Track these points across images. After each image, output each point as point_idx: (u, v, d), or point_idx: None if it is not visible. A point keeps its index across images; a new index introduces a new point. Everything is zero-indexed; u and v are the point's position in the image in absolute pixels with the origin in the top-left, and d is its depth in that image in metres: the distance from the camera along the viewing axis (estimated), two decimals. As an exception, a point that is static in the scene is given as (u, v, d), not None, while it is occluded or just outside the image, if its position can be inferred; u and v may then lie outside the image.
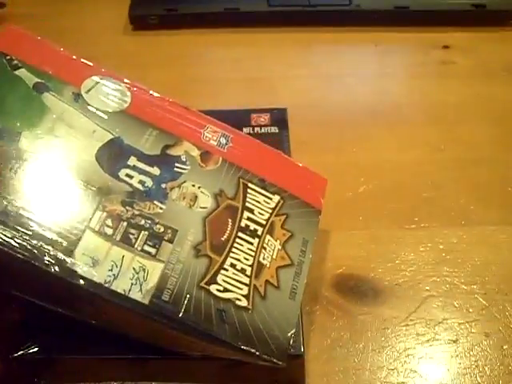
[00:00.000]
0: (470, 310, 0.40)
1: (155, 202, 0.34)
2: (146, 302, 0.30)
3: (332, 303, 0.41)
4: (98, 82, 0.38)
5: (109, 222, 0.32)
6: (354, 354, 0.38)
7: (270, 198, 0.37)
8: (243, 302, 0.32)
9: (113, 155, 0.35)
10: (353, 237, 0.45)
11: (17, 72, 0.36)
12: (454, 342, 0.39)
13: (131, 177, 0.34)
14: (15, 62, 0.36)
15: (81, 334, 0.34)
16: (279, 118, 0.48)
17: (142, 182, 0.34)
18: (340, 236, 0.45)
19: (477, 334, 0.39)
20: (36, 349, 0.34)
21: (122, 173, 0.34)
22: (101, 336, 0.33)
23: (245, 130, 0.46)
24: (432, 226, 0.46)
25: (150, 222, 0.33)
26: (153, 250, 0.32)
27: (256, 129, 0.47)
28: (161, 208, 0.34)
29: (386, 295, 0.41)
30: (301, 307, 0.35)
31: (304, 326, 0.36)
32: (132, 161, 0.35)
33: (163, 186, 0.35)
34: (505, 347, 0.38)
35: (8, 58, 0.36)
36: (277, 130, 0.47)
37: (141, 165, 0.35)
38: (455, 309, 0.41)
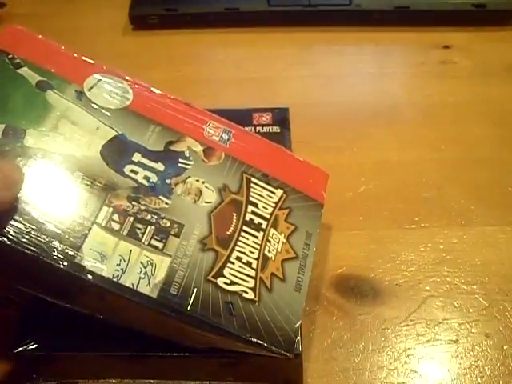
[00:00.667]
0: (470, 310, 0.40)
1: (161, 197, 0.34)
2: (154, 295, 0.31)
3: (332, 303, 0.41)
4: (100, 80, 0.38)
5: (115, 217, 0.32)
6: (354, 354, 0.38)
7: (274, 192, 0.38)
8: (250, 295, 0.33)
9: (117, 152, 0.35)
10: (353, 237, 0.45)
11: (19, 71, 0.36)
12: (454, 342, 0.39)
13: (136, 172, 0.34)
14: (17, 60, 0.36)
15: (80, 330, 0.34)
16: (281, 117, 0.48)
17: (146, 178, 0.34)
18: (340, 236, 0.45)
19: (477, 334, 0.39)
20: (35, 345, 0.34)
21: (127, 169, 0.34)
22: (100, 333, 0.33)
23: (246, 129, 0.46)
24: (432, 226, 0.46)
25: (156, 216, 0.33)
26: (160, 245, 0.32)
27: (258, 128, 0.47)
28: (166, 203, 0.34)
29: (386, 295, 0.41)
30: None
31: (304, 326, 0.36)
32: (136, 157, 0.35)
33: (168, 181, 0.35)
34: (505, 347, 0.38)
35: (10, 56, 0.36)
36: (278, 130, 0.47)
37: (145, 161, 0.35)
38: (455, 309, 0.41)
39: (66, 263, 0.30)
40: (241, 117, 0.47)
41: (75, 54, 0.39)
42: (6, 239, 0.29)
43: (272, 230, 0.36)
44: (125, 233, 0.32)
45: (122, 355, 0.35)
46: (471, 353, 0.38)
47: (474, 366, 0.38)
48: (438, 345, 0.39)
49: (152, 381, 0.36)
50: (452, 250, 0.44)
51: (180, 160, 0.36)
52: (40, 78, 0.36)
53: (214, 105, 0.43)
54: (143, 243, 0.32)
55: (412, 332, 0.39)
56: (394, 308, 0.41)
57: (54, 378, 0.36)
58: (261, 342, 0.31)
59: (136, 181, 0.34)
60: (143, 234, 0.32)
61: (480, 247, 0.44)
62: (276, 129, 0.47)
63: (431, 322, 0.40)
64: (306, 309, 0.40)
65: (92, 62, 0.39)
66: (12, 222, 0.30)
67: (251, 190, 0.37)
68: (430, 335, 0.39)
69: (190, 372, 0.36)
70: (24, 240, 0.30)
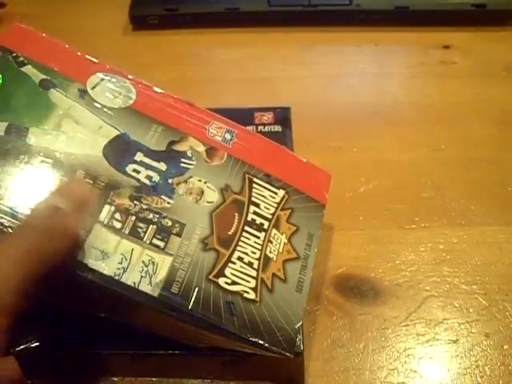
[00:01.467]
0: (470, 310, 0.40)
1: (163, 196, 0.34)
2: (156, 294, 0.31)
3: (332, 303, 0.41)
4: (103, 79, 0.38)
5: (117, 215, 0.32)
6: (354, 354, 0.38)
7: (276, 193, 0.38)
8: (251, 295, 0.33)
9: (120, 151, 0.35)
10: (353, 237, 0.45)
11: (23, 69, 0.36)
12: (454, 342, 0.39)
13: (138, 172, 0.34)
14: (21, 58, 0.36)
15: (82, 328, 0.34)
16: (283, 116, 0.48)
17: (149, 177, 0.34)
18: (340, 236, 0.45)
19: (477, 334, 0.39)
20: (36, 343, 0.34)
21: (130, 168, 0.34)
22: (102, 331, 0.33)
23: (249, 128, 0.46)
24: (432, 226, 0.46)
25: (158, 216, 0.33)
26: (161, 244, 0.32)
27: (259, 127, 0.47)
28: (168, 203, 0.34)
29: (386, 295, 0.41)
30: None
31: (304, 326, 0.36)
32: (139, 156, 0.35)
33: (170, 181, 0.35)
34: (505, 347, 0.38)
35: (14, 55, 0.36)
36: (280, 129, 0.47)
37: (147, 160, 0.35)
38: (455, 309, 0.41)
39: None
40: (242, 116, 0.47)
41: (79, 53, 0.39)
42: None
43: (274, 231, 0.36)
44: (127, 231, 0.32)
45: (124, 353, 0.35)
46: (471, 353, 0.38)
47: (474, 366, 0.38)
48: (437, 345, 0.39)
49: (154, 379, 0.36)
50: (452, 250, 0.44)
51: (182, 160, 0.36)
52: (43, 77, 0.36)
53: (214, 105, 0.43)
54: (145, 242, 0.32)
55: (412, 332, 0.39)
56: (394, 308, 0.41)
57: (55, 376, 0.36)
58: (261, 342, 0.31)
59: (138, 180, 0.34)
60: (145, 232, 0.32)
61: (480, 247, 0.44)
62: (278, 128, 0.47)
63: (431, 322, 0.40)
64: (307, 308, 0.40)
65: (95, 60, 0.39)
66: (13, 220, 0.30)
67: (253, 190, 0.37)
68: (430, 335, 0.39)
69: (191, 370, 0.36)
70: None
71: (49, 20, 0.66)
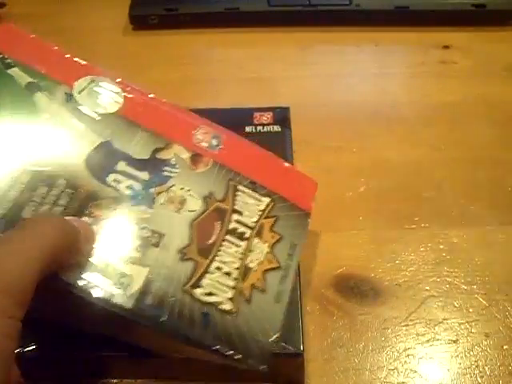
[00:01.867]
0: (470, 310, 0.40)
1: (142, 206, 0.33)
2: (130, 306, 0.30)
3: (332, 303, 0.41)
4: (90, 83, 0.37)
5: (95, 227, 0.32)
6: (354, 354, 0.38)
7: (260, 200, 0.37)
8: (227, 306, 0.32)
9: (102, 160, 0.34)
10: (353, 237, 0.45)
11: (9, 71, 0.35)
12: (454, 342, 0.39)
13: (119, 182, 0.34)
14: (8, 60, 0.36)
15: (79, 331, 0.34)
16: (282, 116, 0.48)
17: (129, 187, 0.34)
18: (340, 236, 0.45)
19: (477, 333, 0.39)
20: (34, 346, 0.34)
21: (110, 178, 0.34)
22: (99, 334, 0.33)
23: (247, 128, 0.46)
24: (432, 226, 0.46)
25: (136, 227, 0.33)
26: (138, 255, 0.32)
27: (259, 128, 0.47)
28: (148, 213, 0.33)
29: (386, 295, 0.41)
30: (301, 306, 0.35)
31: (304, 326, 0.36)
32: (121, 166, 0.34)
33: (151, 190, 0.34)
34: (505, 347, 0.38)
35: (1, 56, 0.36)
36: (279, 129, 0.47)
37: (130, 169, 0.34)
38: (455, 309, 0.41)
39: None
40: (242, 116, 0.47)
41: (67, 55, 0.38)
42: None
43: (256, 240, 0.35)
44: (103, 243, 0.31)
45: (123, 355, 0.35)
46: (471, 353, 0.38)
47: (473, 366, 0.38)
48: (438, 345, 0.39)
49: (154, 379, 0.36)
50: (452, 250, 0.44)
51: (165, 168, 0.35)
52: (30, 80, 0.35)
53: (213, 105, 0.43)
54: (121, 254, 0.31)
55: (412, 332, 0.39)
56: (394, 308, 0.41)
57: (53, 379, 0.36)
58: (235, 355, 0.31)
59: (118, 190, 0.33)
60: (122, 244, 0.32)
61: (480, 247, 0.44)
62: (277, 128, 0.47)
63: (431, 321, 0.40)
64: (306, 309, 0.40)
65: (84, 63, 0.38)
66: None
67: (237, 197, 0.36)
68: (430, 335, 0.39)
69: (191, 372, 0.36)
70: None
71: (48, 20, 0.66)
